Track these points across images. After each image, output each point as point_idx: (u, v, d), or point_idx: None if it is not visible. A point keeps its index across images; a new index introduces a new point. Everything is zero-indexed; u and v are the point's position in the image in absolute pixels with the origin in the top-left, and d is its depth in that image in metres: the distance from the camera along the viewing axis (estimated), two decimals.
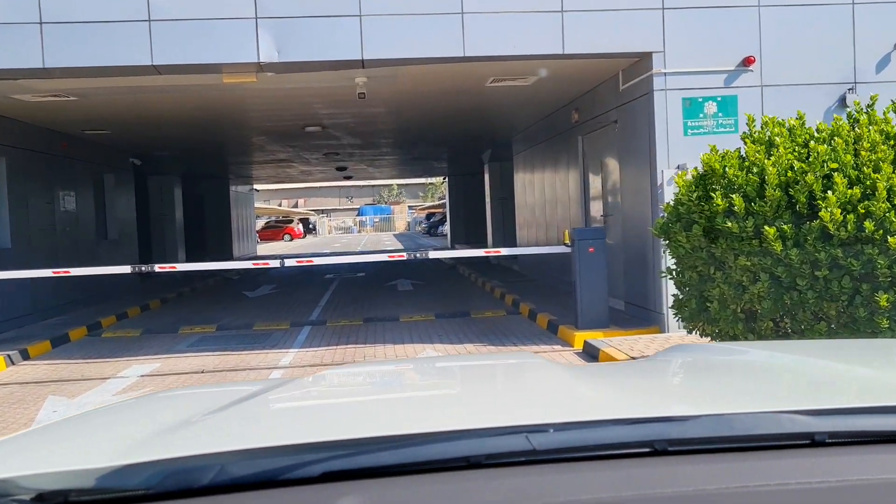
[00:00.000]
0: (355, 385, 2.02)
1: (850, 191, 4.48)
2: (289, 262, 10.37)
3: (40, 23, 8.24)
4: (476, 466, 1.04)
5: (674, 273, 5.63)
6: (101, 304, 14.02)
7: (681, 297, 5.63)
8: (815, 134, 5.11)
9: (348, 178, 31.72)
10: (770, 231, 4.57)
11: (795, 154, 4.92)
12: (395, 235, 59.49)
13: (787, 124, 5.31)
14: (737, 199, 4.79)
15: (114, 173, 16.41)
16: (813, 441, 1.09)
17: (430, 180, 61.99)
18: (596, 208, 12.10)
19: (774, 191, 4.70)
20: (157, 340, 10.73)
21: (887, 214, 4.37)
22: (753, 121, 5.52)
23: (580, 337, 8.99)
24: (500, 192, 21.66)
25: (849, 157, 4.66)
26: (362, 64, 8.77)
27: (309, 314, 12.82)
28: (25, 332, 11.12)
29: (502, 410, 1.46)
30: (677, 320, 5.75)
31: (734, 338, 5.03)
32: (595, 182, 12.09)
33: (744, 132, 5.52)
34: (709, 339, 5.31)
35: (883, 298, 4.28)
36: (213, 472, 1.01)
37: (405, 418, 1.40)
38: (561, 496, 0.97)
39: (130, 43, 8.30)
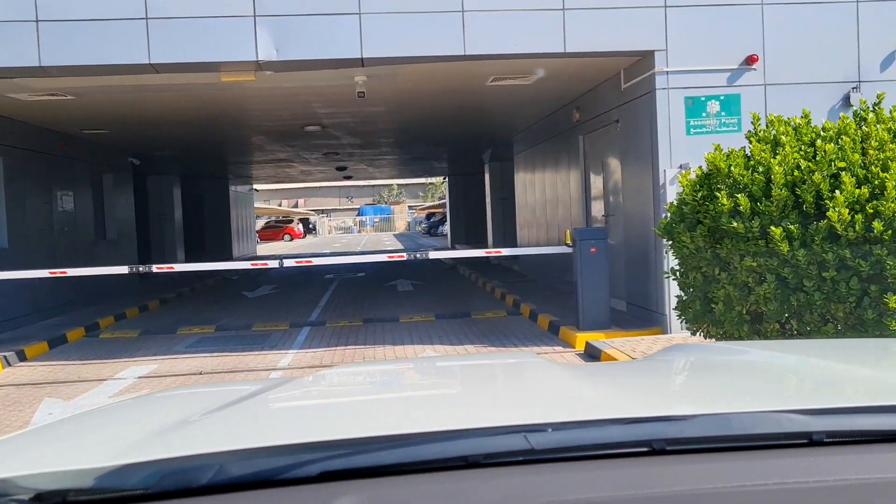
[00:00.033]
0: (353, 385, 2.01)
1: (858, 190, 4.40)
2: (288, 263, 10.29)
3: (36, 21, 8.16)
4: (474, 466, 1.03)
5: (677, 274, 5.55)
6: (99, 304, 13.94)
7: (685, 298, 5.55)
8: (822, 133, 5.03)
9: (348, 178, 31.64)
10: (776, 231, 4.49)
11: (802, 153, 4.84)
12: (395, 235, 59.43)
13: (792, 123, 5.24)
14: (742, 198, 4.71)
15: (112, 173, 16.33)
16: (811, 440, 1.09)
17: (430, 180, 61.93)
18: (597, 208, 12.02)
19: (781, 190, 4.62)
20: (156, 341, 10.65)
21: None
22: (758, 119, 5.44)
23: (582, 338, 8.91)
24: (500, 191, 21.59)
25: (856, 155, 4.58)
26: (362, 63, 8.69)
27: (308, 315, 12.74)
28: (23, 332, 11.04)
29: (501, 410, 1.45)
30: (681, 322, 5.67)
31: (739, 340, 4.96)
32: (596, 182, 12.01)
33: (749, 131, 5.44)
34: (713, 340, 5.24)
35: (892, 300, 4.20)
36: (211, 472, 1.01)
37: (403, 418, 1.39)
38: (559, 495, 0.97)
39: (128, 41, 8.22)
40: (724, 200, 4.78)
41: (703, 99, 8.83)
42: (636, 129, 9.69)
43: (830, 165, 4.57)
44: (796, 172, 4.69)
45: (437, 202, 60.63)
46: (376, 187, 73.83)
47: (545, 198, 15.30)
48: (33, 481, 1.05)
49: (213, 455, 1.08)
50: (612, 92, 10.53)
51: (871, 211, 4.35)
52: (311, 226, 65.21)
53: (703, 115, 8.82)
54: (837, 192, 4.39)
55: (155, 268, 9.95)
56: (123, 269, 9.80)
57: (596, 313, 9.13)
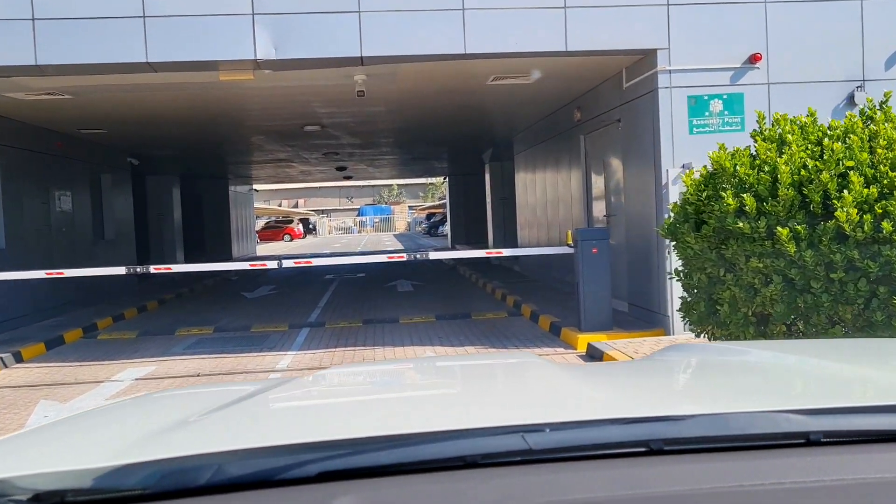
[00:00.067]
0: (352, 385, 2.01)
1: (866, 190, 4.33)
2: (286, 264, 10.20)
3: (33, 19, 8.07)
4: (472, 466, 1.03)
5: (681, 275, 5.47)
6: (98, 305, 13.85)
7: (689, 299, 5.47)
8: (828, 131, 4.95)
9: (348, 178, 31.56)
10: (783, 232, 4.41)
11: (808, 152, 4.76)
12: (395, 236, 59.35)
13: (798, 122, 5.15)
14: (748, 198, 4.63)
15: (111, 173, 16.25)
16: (808, 440, 1.09)
17: (430, 180, 61.85)
18: (598, 208, 11.94)
19: (787, 190, 4.54)
20: (154, 343, 10.57)
21: None
22: (764, 118, 5.36)
23: (583, 339, 8.82)
24: (500, 191, 21.51)
25: (865, 154, 4.50)
26: (361, 61, 8.61)
27: (308, 316, 12.66)
28: (20, 333, 10.95)
29: (499, 410, 1.45)
30: (685, 323, 5.59)
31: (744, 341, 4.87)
32: (597, 182, 11.93)
33: (754, 130, 5.36)
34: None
35: None
36: (210, 472, 1.01)
37: (401, 418, 1.39)
38: (557, 496, 0.97)
39: (125, 40, 8.14)
40: (730, 200, 4.70)
41: (705, 98, 8.74)
42: (638, 129, 9.61)
43: (838, 165, 4.49)
44: (803, 172, 4.61)
45: (437, 202, 60.56)
46: (376, 187, 73.75)
47: (546, 198, 15.22)
48: (32, 482, 1.05)
49: (211, 455, 1.07)
50: (613, 91, 10.44)
51: (881, 211, 4.27)
52: (311, 226, 65.13)
53: (706, 114, 8.73)
54: (846, 191, 4.31)
55: (152, 268, 9.87)
56: (121, 270, 9.72)
57: (598, 314, 9.04)
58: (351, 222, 75.11)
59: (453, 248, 27.47)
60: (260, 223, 50.93)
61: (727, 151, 5.12)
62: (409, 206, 71.95)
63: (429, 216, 56.98)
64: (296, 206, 69.68)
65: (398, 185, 71.65)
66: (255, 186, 35.80)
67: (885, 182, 4.37)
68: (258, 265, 10.77)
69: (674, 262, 7.53)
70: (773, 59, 8.77)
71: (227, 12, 8.23)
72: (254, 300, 15.49)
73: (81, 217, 14.52)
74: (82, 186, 14.65)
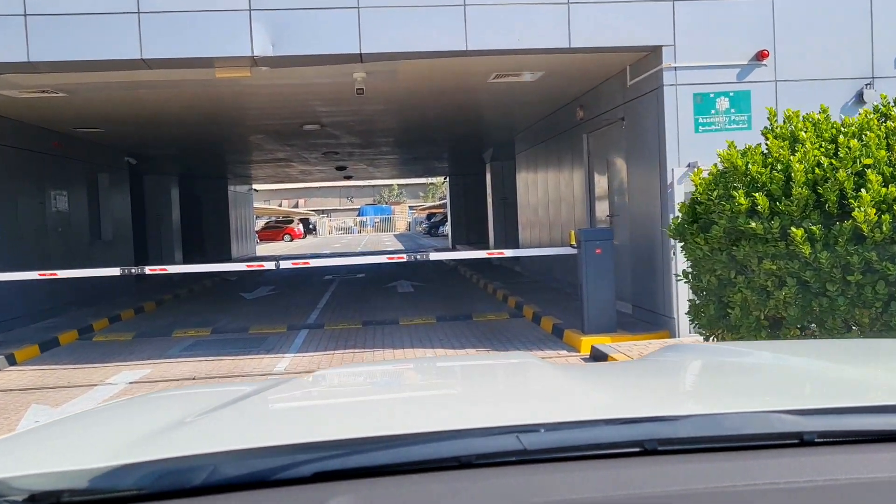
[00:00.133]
0: (348, 385, 2.00)
1: (884, 189, 4.15)
2: (285, 265, 10.03)
3: (24, 15, 7.90)
4: (467, 466, 1.04)
5: (690, 276, 5.30)
6: (95, 306, 13.69)
7: (697, 302, 5.30)
8: (842, 128, 4.78)
9: (348, 177, 31.39)
10: (798, 232, 4.24)
11: (822, 150, 4.59)
12: (395, 236, 59.20)
13: (811, 118, 4.99)
14: (760, 197, 4.46)
15: (108, 173, 16.07)
16: (802, 441, 1.09)
17: (430, 180, 61.69)
18: (601, 208, 11.77)
19: (801, 189, 4.37)
20: (150, 344, 10.40)
21: None
22: (775, 115, 5.20)
23: (587, 342, 8.65)
24: (501, 191, 21.35)
25: (882, 152, 4.33)
26: (360, 58, 8.44)
27: (307, 317, 12.49)
28: (15, 335, 10.79)
29: (494, 410, 1.44)
30: (694, 327, 5.42)
31: None
32: (600, 181, 11.76)
33: (765, 127, 5.19)
34: None
35: None
36: (206, 473, 1.01)
37: (397, 418, 1.39)
38: (551, 496, 0.97)
39: (118, 36, 7.97)
40: (742, 200, 4.53)
41: (712, 96, 8.57)
42: (642, 127, 9.44)
43: (855, 162, 4.32)
44: (817, 170, 4.44)
45: (437, 202, 60.40)
46: (377, 187, 73.58)
47: (548, 198, 15.05)
48: (28, 482, 1.05)
49: (207, 456, 1.08)
50: (617, 89, 10.27)
51: None
52: (311, 226, 64.98)
53: (713, 112, 8.56)
54: (863, 190, 4.14)
55: (147, 269, 9.70)
56: (115, 271, 9.56)
57: (601, 316, 8.87)
58: (351, 222, 74.96)
59: (454, 249, 27.31)
60: (260, 223, 50.77)
61: (738, 149, 4.95)
62: (410, 206, 71.78)
63: (429, 216, 56.81)
64: (296, 206, 69.51)
65: (398, 184, 71.48)
66: (254, 186, 35.62)
67: None
68: (255, 266, 10.60)
69: (679, 262, 7.37)
70: (780, 55, 8.60)
71: (223, 8, 8.06)
72: (253, 301, 15.33)
73: (78, 217, 14.35)
74: (79, 186, 14.48)
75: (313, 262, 12.04)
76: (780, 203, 4.43)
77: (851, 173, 4.29)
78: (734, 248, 4.67)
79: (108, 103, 11.19)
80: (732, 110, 8.56)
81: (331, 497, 0.97)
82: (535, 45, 8.47)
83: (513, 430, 1.09)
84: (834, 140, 4.67)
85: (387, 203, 75.59)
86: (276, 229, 54.43)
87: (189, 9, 8.03)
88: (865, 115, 4.81)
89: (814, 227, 4.25)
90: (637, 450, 1.07)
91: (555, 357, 8.46)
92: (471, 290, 15.70)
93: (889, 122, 4.64)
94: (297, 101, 11.84)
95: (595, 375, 1.97)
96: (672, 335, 8.73)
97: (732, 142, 5.08)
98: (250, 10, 8.05)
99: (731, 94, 8.56)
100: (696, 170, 5.44)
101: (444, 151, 22.93)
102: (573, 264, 9.56)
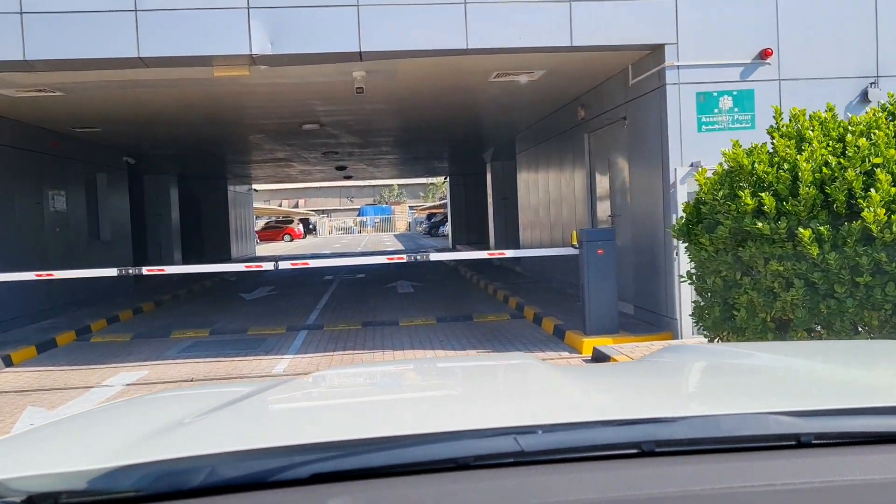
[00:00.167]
0: (346, 386, 2.00)
1: (894, 189, 4.07)
2: (284, 265, 9.94)
3: (20, 12, 7.82)
4: (465, 468, 1.03)
5: (694, 278, 5.22)
6: (93, 306, 13.60)
7: (702, 303, 5.21)
8: (850, 127, 4.69)
9: (348, 178, 31.30)
10: (805, 233, 4.16)
11: (830, 149, 4.51)
12: (395, 236, 59.12)
13: (818, 117, 4.90)
14: (767, 197, 4.38)
15: (107, 172, 15.98)
16: (799, 442, 1.09)
17: (431, 180, 61.61)
18: (603, 208, 11.68)
19: (809, 189, 4.29)
20: (148, 346, 10.31)
21: None
22: (781, 114, 5.11)
23: (589, 343, 8.56)
24: (502, 191, 21.26)
25: (892, 151, 4.25)
26: (360, 56, 8.36)
27: (306, 318, 12.41)
28: (13, 336, 10.70)
29: (492, 411, 1.44)
30: (698, 328, 5.33)
31: None
32: (602, 181, 11.68)
33: (771, 126, 5.11)
34: None
35: None
36: (203, 474, 1.01)
37: (395, 420, 1.39)
38: (549, 497, 0.97)
39: (115, 34, 7.88)
40: (748, 200, 4.45)
41: (715, 94, 8.48)
42: (645, 127, 9.35)
43: (864, 162, 4.24)
44: (825, 170, 4.36)
45: (438, 202, 60.31)
46: (377, 187, 73.50)
47: (549, 198, 14.97)
48: (25, 483, 1.04)
49: (205, 457, 1.08)
50: (618, 88, 10.19)
51: None
52: (311, 226, 64.90)
53: (716, 111, 8.48)
54: (872, 190, 4.06)
55: (145, 270, 9.61)
56: (112, 272, 9.46)
57: (603, 317, 8.78)
58: (351, 222, 74.89)
59: (454, 249, 27.22)
60: (260, 223, 50.70)
61: (743, 148, 4.86)
62: (410, 206, 71.71)
63: (429, 216, 56.73)
64: (296, 206, 69.43)
65: (399, 185, 71.39)
66: (254, 186, 35.53)
67: None
68: (253, 267, 10.51)
69: (682, 263, 7.29)
70: (784, 54, 8.52)
71: (221, 6, 7.98)
72: (252, 301, 15.25)
73: (76, 217, 14.26)
74: (77, 186, 14.39)
75: (313, 263, 11.94)
76: (787, 203, 4.35)
77: (860, 173, 4.21)
78: (740, 248, 4.59)
79: (107, 103, 11.11)
80: (736, 109, 8.47)
81: (329, 498, 0.98)
82: (536, 44, 8.38)
83: (510, 431, 1.09)
84: (841, 139, 4.58)
85: (387, 203, 75.50)
86: (276, 229, 54.36)
87: (187, 6, 7.94)
88: (874, 114, 4.73)
89: (822, 228, 4.17)
90: (634, 451, 1.07)
91: (556, 358, 8.38)
92: (471, 291, 15.61)
93: None
94: (296, 101, 11.75)
95: (593, 376, 1.97)
96: (675, 336, 8.64)
97: (738, 141, 4.99)
98: (249, 8, 7.96)
99: (735, 93, 8.48)
100: (699, 169, 5.36)
101: (444, 151, 22.84)
102: (574, 265, 9.47)
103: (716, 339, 5.13)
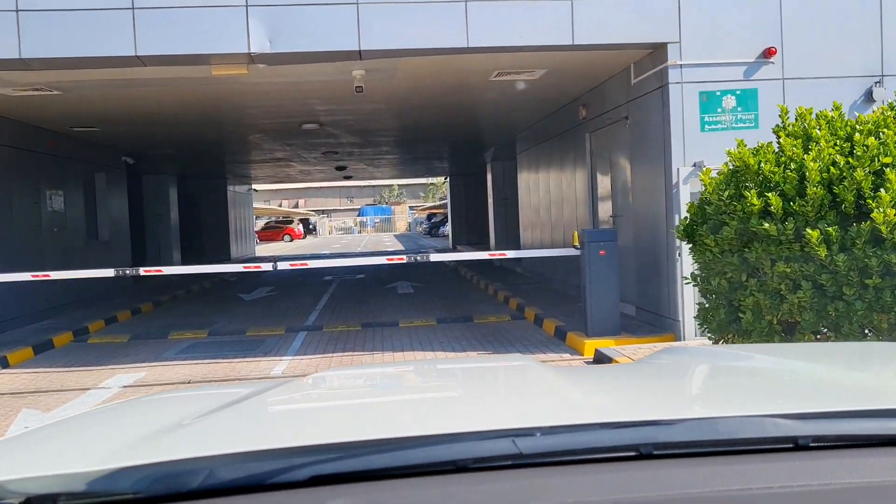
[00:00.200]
0: (345, 388, 1.99)
1: None
2: (283, 266, 9.86)
3: (16, 10, 7.74)
4: (463, 470, 1.03)
5: (698, 279, 5.14)
6: (91, 307, 13.52)
7: (707, 305, 5.13)
8: (857, 126, 4.61)
9: (348, 178, 31.22)
10: (813, 234, 4.08)
11: (837, 148, 4.43)
12: (395, 236, 59.03)
13: (825, 116, 4.82)
14: (774, 198, 4.30)
15: (105, 172, 15.90)
16: (796, 445, 1.09)
17: (431, 180, 61.53)
18: (604, 209, 11.60)
19: (816, 189, 4.21)
20: (146, 347, 10.23)
21: None
22: (787, 112, 5.03)
23: (590, 345, 8.48)
24: (502, 191, 21.17)
25: None
26: (360, 55, 8.27)
27: (305, 318, 12.33)
28: (9, 337, 10.62)
29: (491, 414, 1.44)
30: (702, 330, 5.25)
31: None
32: (604, 181, 11.60)
33: (776, 125, 5.03)
34: None
35: None
36: (202, 476, 1.01)
37: (395, 421, 1.39)
38: (547, 500, 0.97)
39: (113, 32, 7.80)
40: (754, 200, 4.37)
41: (718, 94, 8.40)
42: (647, 126, 9.27)
43: (873, 161, 4.16)
44: (833, 169, 4.28)
45: (438, 202, 60.23)
46: (377, 188, 73.42)
47: (549, 198, 14.88)
48: (23, 485, 1.04)
49: (203, 459, 1.08)
50: (620, 88, 10.10)
51: None
52: (311, 226, 64.83)
53: (719, 110, 8.39)
54: (882, 190, 3.98)
55: (143, 270, 9.52)
56: (110, 272, 9.37)
57: (605, 319, 8.70)
58: (351, 222, 74.83)
59: (454, 249, 27.14)
60: (260, 223, 50.62)
61: (749, 148, 4.78)
62: (410, 207, 71.64)
63: (430, 216, 56.65)
64: (296, 206, 69.35)
65: (399, 185, 71.33)
66: (254, 186, 35.45)
67: None
68: (252, 268, 10.43)
69: (685, 264, 7.21)
70: (787, 53, 8.44)
71: (219, 4, 7.89)
72: (251, 302, 15.17)
73: (74, 217, 14.18)
74: (75, 186, 14.31)
75: (312, 263, 11.86)
76: (795, 203, 4.27)
77: (869, 172, 4.13)
78: (746, 249, 4.51)
79: (105, 102, 11.03)
80: (739, 109, 8.39)
81: (328, 500, 0.98)
82: (537, 42, 8.30)
83: (509, 433, 1.09)
84: (849, 138, 4.51)
85: (387, 203, 75.44)
86: (276, 229, 54.30)
87: (184, 4, 7.86)
88: (882, 113, 4.65)
89: (830, 229, 4.09)
90: (633, 454, 1.07)
91: (557, 360, 8.30)
92: (472, 292, 15.53)
93: None
94: (295, 100, 11.67)
95: (591, 378, 1.96)
96: (677, 338, 8.56)
97: (743, 140, 4.92)
98: (247, 6, 7.88)
99: (738, 92, 8.39)
100: (702, 169, 5.28)
101: (444, 151, 22.75)
102: (576, 266, 9.39)
103: (721, 342, 5.05)
